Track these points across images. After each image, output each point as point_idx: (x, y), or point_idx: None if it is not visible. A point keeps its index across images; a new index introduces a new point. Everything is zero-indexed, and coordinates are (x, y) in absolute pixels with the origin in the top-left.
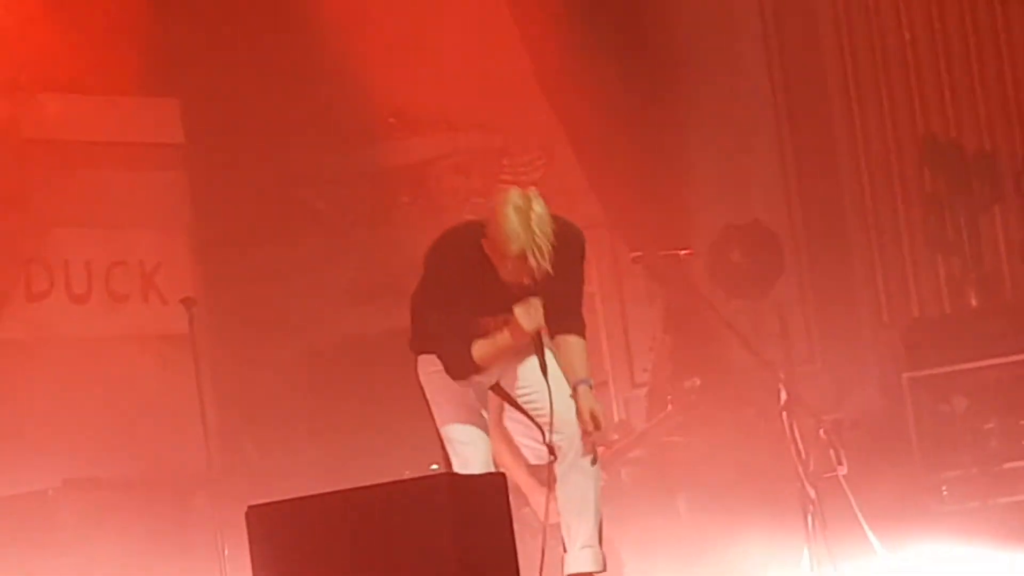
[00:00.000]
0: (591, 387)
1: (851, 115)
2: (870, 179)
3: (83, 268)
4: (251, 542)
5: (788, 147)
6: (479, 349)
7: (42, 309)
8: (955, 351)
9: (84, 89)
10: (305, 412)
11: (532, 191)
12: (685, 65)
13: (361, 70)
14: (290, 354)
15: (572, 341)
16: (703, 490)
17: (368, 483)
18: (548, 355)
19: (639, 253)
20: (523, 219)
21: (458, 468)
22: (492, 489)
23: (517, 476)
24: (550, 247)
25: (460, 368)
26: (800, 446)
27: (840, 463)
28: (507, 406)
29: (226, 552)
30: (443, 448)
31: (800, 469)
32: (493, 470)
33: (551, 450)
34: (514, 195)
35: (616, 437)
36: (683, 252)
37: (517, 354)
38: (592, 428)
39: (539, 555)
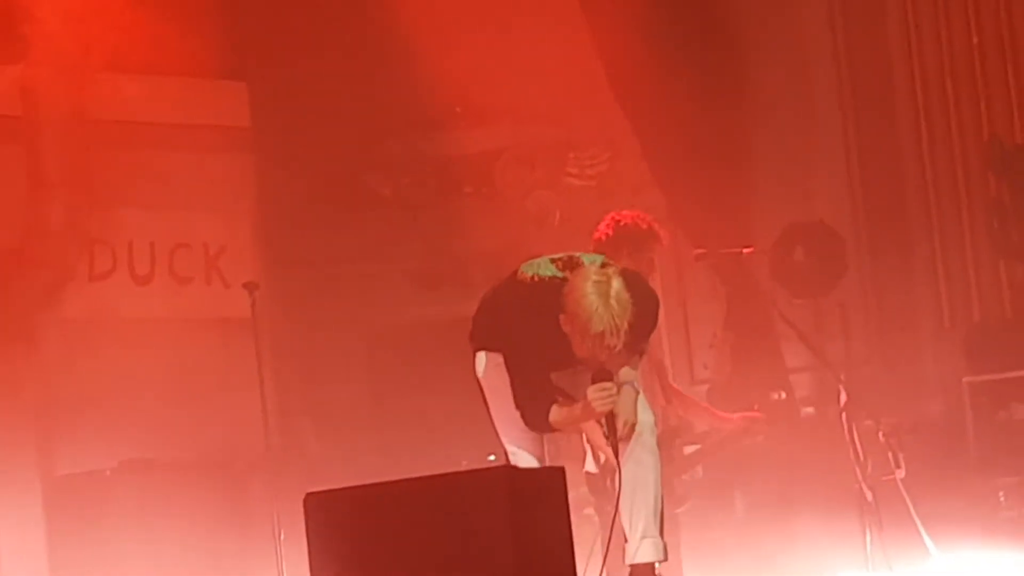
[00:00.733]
0: (638, 393)
1: (917, 117)
2: (934, 182)
3: (147, 249)
4: (308, 529)
5: (853, 148)
6: (555, 415)
7: (105, 289)
8: (1015, 357)
9: (152, 70)
10: (364, 399)
11: (611, 268)
12: (752, 63)
13: (429, 59)
14: (351, 340)
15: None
16: (761, 488)
17: (426, 471)
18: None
19: (702, 250)
20: (603, 296)
21: (514, 461)
22: (551, 482)
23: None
24: (627, 326)
25: (538, 426)
26: (859, 448)
27: (898, 466)
28: None
29: (282, 537)
30: (499, 440)
31: (858, 471)
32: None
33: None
34: (592, 272)
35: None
36: (746, 250)
37: None
38: (625, 434)
39: (597, 548)
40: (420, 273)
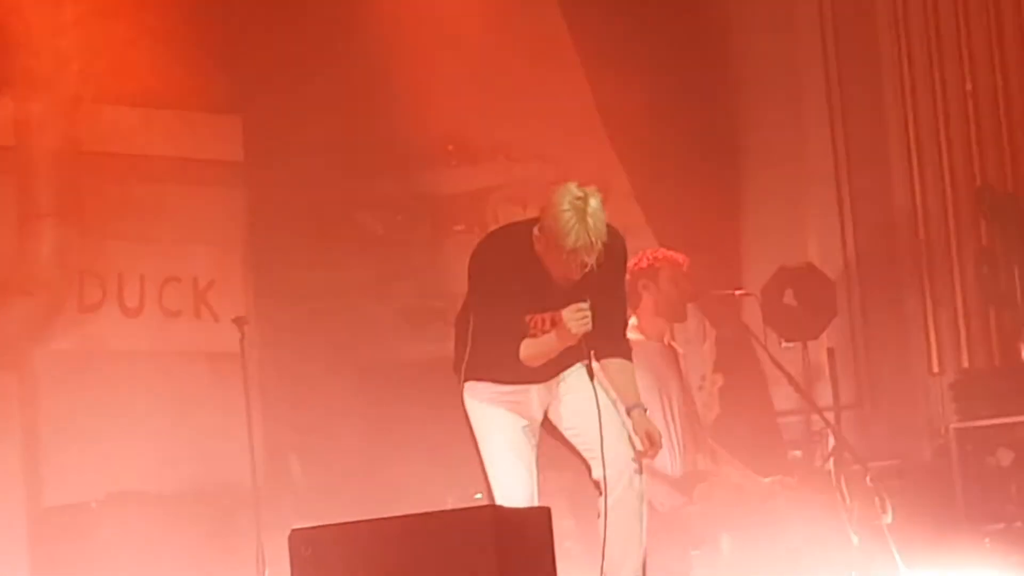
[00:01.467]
0: (645, 411)
1: (909, 163)
2: (925, 227)
3: (137, 282)
4: (293, 565)
5: (845, 191)
6: (526, 349)
7: (94, 321)
8: (1003, 404)
9: (145, 103)
10: (352, 436)
11: (589, 189)
12: (746, 107)
13: (422, 96)
14: (340, 377)
15: (621, 364)
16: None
17: (413, 508)
18: (597, 384)
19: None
20: (579, 213)
21: (501, 500)
22: (536, 523)
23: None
24: (601, 244)
25: (510, 371)
26: (845, 492)
27: (884, 511)
28: None
29: (267, 572)
30: (486, 478)
31: (845, 515)
32: (536, 504)
33: (598, 486)
34: (571, 188)
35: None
36: (737, 292)
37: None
38: (648, 448)
39: None
40: (410, 310)
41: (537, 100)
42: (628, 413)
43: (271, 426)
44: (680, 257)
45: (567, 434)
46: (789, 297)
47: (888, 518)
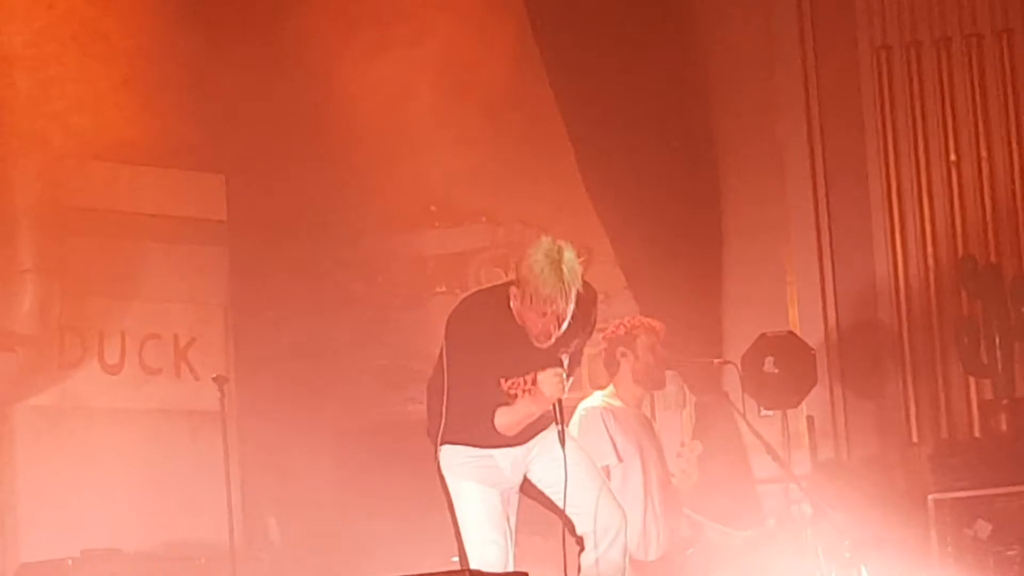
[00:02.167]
0: None
1: (891, 232)
2: (907, 297)
3: (118, 338)
4: None
5: (826, 260)
6: (501, 418)
7: (74, 377)
8: (982, 475)
9: (129, 160)
10: (330, 496)
11: (563, 243)
12: (729, 176)
13: (405, 157)
14: (319, 438)
15: None
16: None
17: (388, 571)
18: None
19: (677, 360)
20: (553, 262)
21: (476, 565)
22: None
23: None
24: (576, 291)
25: (486, 437)
26: (824, 562)
27: None
28: None
29: None
30: (460, 543)
31: None
32: (512, 569)
33: (580, 542)
34: (545, 240)
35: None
36: (716, 360)
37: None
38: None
39: None
40: (390, 372)
41: (521, 164)
42: None
43: (249, 485)
44: (657, 324)
45: (547, 491)
46: (770, 365)
47: None
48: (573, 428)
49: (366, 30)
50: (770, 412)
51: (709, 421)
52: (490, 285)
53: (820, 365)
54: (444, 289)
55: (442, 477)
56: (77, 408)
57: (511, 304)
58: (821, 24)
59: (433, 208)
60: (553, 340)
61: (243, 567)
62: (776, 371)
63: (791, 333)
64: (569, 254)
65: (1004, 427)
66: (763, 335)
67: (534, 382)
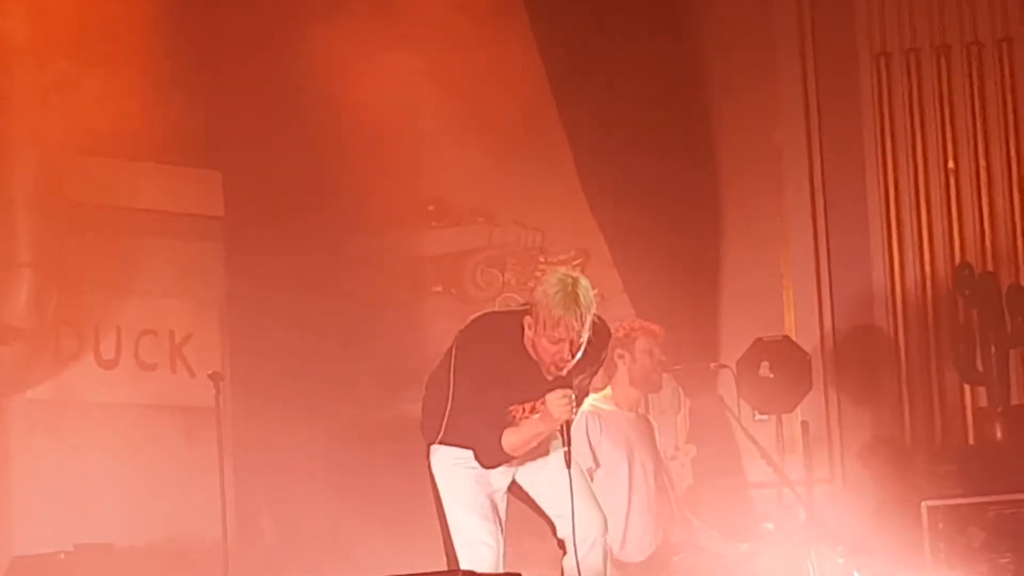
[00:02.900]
0: None
1: (888, 238)
2: (903, 304)
3: (114, 334)
4: None
5: (823, 266)
6: (509, 438)
7: (69, 372)
8: (976, 483)
9: (127, 155)
10: (324, 494)
11: (578, 271)
12: (726, 181)
13: (404, 155)
14: (313, 435)
15: None
16: None
17: (381, 570)
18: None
19: (677, 366)
20: (567, 288)
21: (467, 566)
22: None
23: None
24: (591, 317)
25: (492, 457)
26: (816, 567)
27: None
28: None
29: None
30: (450, 542)
31: None
32: (502, 571)
33: (561, 544)
34: (560, 269)
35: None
36: (712, 365)
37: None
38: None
39: None
40: (385, 371)
41: (519, 166)
42: None
43: (243, 482)
44: (657, 328)
45: (531, 492)
46: (765, 369)
47: None
48: None
49: (364, 28)
50: (765, 417)
51: (704, 425)
52: (506, 310)
53: (815, 370)
54: (440, 289)
55: (432, 476)
56: (72, 403)
57: (525, 333)
58: (821, 30)
59: (431, 208)
60: (564, 371)
61: (236, 562)
62: (771, 376)
63: (787, 338)
64: (584, 282)
65: (999, 435)
66: (759, 340)
67: (534, 410)
